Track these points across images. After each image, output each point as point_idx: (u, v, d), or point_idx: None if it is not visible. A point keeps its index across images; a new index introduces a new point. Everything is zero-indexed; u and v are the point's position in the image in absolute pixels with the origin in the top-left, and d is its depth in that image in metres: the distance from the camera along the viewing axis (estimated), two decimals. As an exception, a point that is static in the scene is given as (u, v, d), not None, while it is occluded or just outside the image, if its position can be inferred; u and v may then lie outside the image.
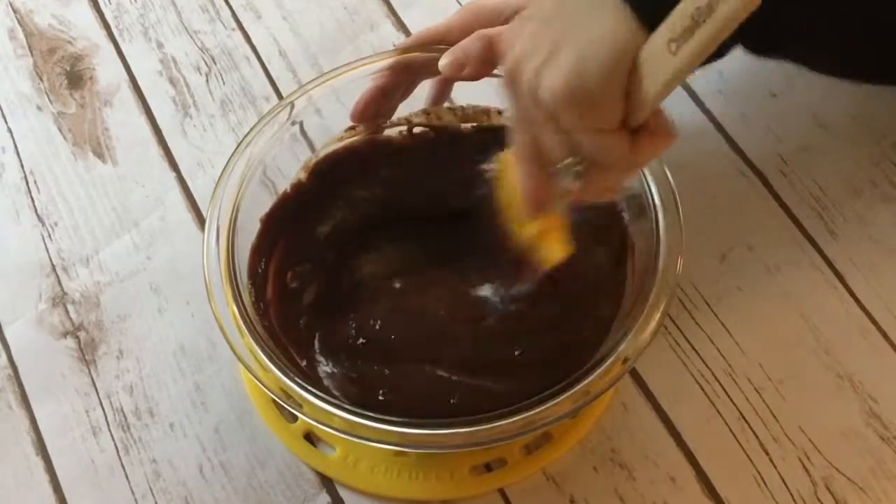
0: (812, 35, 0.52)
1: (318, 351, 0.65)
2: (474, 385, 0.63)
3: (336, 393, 0.63)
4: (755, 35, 0.49)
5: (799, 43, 0.54)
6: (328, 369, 0.64)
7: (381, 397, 0.63)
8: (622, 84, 0.47)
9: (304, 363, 0.64)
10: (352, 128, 0.70)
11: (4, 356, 0.71)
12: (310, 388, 0.57)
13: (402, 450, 0.63)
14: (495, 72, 0.66)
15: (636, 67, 0.46)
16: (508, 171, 0.59)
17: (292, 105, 0.67)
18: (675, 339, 0.69)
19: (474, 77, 0.65)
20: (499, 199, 0.62)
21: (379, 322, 0.67)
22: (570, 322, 0.65)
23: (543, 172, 0.53)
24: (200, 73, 0.83)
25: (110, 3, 0.87)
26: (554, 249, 0.60)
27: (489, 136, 0.70)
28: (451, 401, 0.63)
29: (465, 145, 0.71)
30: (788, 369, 0.67)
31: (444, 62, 0.65)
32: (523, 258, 0.61)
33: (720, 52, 0.47)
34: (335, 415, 0.57)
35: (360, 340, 0.66)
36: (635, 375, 0.68)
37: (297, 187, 0.69)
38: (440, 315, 0.67)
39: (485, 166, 0.64)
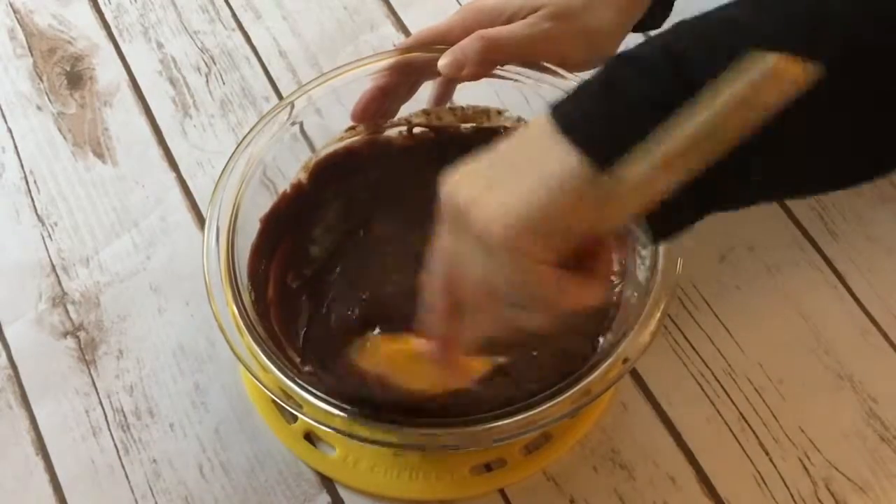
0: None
1: (316, 351, 0.65)
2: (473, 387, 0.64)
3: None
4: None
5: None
6: (325, 369, 0.64)
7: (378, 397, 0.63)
8: (566, 217, 0.44)
9: (303, 364, 0.64)
10: (352, 128, 0.70)
11: (4, 356, 0.71)
12: (310, 388, 0.57)
13: (401, 449, 0.63)
14: (496, 71, 0.67)
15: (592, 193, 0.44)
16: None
17: (292, 105, 0.67)
18: (675, 339, 0.69)
19: (474, 77, 0.65)
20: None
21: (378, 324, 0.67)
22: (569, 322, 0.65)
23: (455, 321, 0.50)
24: (200, 74, 0.83)
25: (110, 3, 0.87)
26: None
27: (489, 137, 0.70)
28: (451, 401, 0.63)
29: (466, 146, 0.71)
30: (788, 369, 0.67)
31: (443, 62, 0.65)
32: None
33: (689, 219, 0.47)
34: (335, 415, 0.57)
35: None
36: (635, 375, 0.68)
37: (297, 187, 0.69)
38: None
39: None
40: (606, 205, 0.44)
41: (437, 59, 0.65)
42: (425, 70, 0.68)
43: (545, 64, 0.66)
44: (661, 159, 0.42)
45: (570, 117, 0.45)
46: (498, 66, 0.66)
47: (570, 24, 0.65)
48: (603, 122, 0.45)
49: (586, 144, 0.44)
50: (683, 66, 0.44)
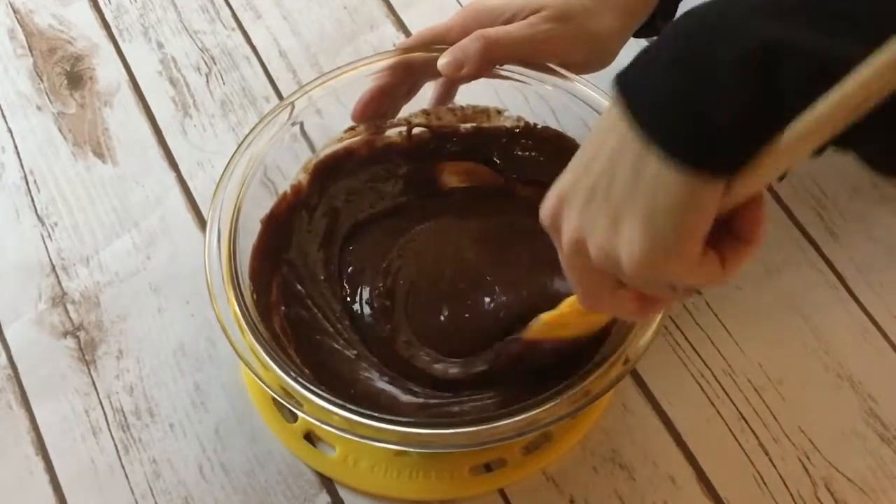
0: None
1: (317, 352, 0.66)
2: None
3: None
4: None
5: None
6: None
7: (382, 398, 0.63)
8: (700, 228, 0.43)
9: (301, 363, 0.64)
10: (352, 128, 0.70)
11: (4, 356, 0.71)
12: (310, 386, 0.57)
13: (402, 449, 0.63)
14: (496, 71, 0.67)
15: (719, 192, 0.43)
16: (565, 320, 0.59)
17: (293, 105, 0.67)
18: (675, 339, 0.69)
19: (473, 77, 0.65)
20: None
21: (379, 324, 0.67)
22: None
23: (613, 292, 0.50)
24: (200, 74, 0.83)
25: (110, 3, 0.87)
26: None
27: (488, 138, 0.70)
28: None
29: (465, 146, 0.71)
30: (788, 369, 0.68)
31: (442, 62, 0.65)
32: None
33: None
34: (335, 413, 0.57)
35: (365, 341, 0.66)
36: (635, 376, 0.68)
37: (297, 188, 0.69)
38: (441, 316, 0.66)
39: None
40: (727, 199, 0.43)
41: (437, 59, 0.65)
42: (425, 70, 0.68)
43: (545, 64, 0.66)
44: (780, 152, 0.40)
45: (670, 135, 0.42)
46: (498, 66, 0.66)
47: (570, 26, 0.65)
48: (695, 133, 0.41)
49: (697, 166, 0.41)
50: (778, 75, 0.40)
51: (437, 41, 0.67)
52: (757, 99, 0.40)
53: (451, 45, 0.65)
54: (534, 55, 0.66)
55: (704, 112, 0.40)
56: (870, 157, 0.48)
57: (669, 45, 0.42)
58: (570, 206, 0.47)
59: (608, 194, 0.45)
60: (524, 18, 0.65)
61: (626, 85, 0.44)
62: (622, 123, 0.43)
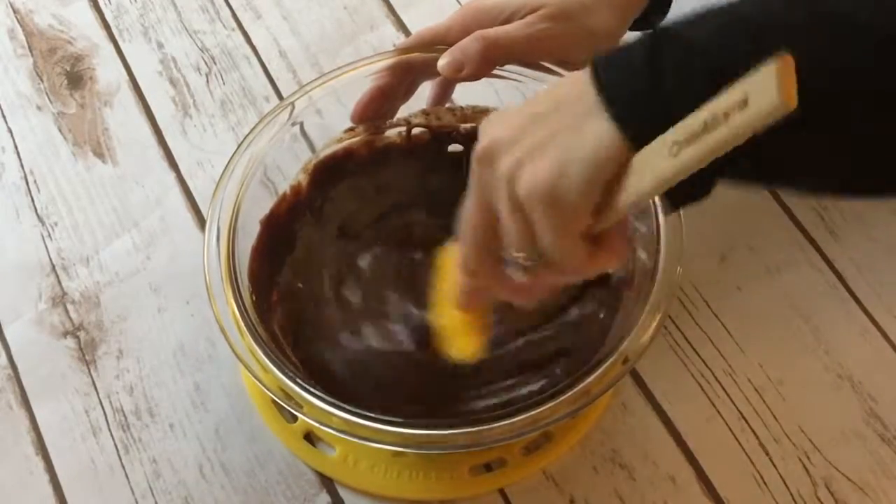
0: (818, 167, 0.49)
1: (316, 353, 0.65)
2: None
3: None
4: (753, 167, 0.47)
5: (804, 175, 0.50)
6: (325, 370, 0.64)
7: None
8: (599, 192, 0.47)
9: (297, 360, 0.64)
10: (351, 129, 0.70)
11: (4, 356, 0.71)
12: (309, 388, 0.57)
13: (401, 450, 0.63)
14: (496, 71, 0.67)
15: (622, 167, 0.46)
16: (449, 263, 0.59)
17: (293, 105, 0.67)
18: (675, 339, 0.69)
19: (473, 77, 0.65)
20: (435, 286, 0.62)
21: (377, 325, 0.67)
22: (570, 322, 0.65)
23: (490, 259, 0.52)
24: (200, 74, 0.83)
25: (110, 3, 0.87)
26: (467, 345, 0.60)
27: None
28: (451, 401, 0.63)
29: (465, 146, 0.71)
30: (788, 369, 0.67)
31: (442, 62, 0.65)
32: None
33: (705, 190, 0.47)
34: (334, 415, 0.57)
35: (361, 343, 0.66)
36: (635, 376, 0.68)
37: (297, 188, 0.69)
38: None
39: (434, 254, 0.63)
40: (630, 180, 0.46)
41: (436, 59, 0.65)
42: (425, 70, 0.68)
43: (544, 64, 0.66)
44: (679, 147, 0.42)
45: (614, 90, 0.46)
46: (497, 66, 0.66)
47: (568, 24, 0.65)
48: (646, 105, 0.45)
49: (627, 124, 0.45)
50: (725, 57, 0.44)
51: (437, 41, 0.67)
52: (653, 78, 0.45)
53: (451, 45, 0.65)
54: (533, 54, 0.66)
55: (639, 87, 0.46)
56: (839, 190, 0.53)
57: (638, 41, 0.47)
58: (516, 117, 0.50)
59: (547, 123, 0.48)
60: (523, 17, 0.65)
61: (598, 59, 0.48)
62: (584, 81, 0.47)
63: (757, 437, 0.65)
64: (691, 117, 0.42)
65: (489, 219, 0.51)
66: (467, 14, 0.67)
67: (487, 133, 0.50)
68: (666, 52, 0.45)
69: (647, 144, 0.44)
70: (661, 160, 0.43)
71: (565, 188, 0.46)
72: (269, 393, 0.58)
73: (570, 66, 0.66)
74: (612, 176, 0.46)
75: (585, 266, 0.49)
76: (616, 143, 0.45)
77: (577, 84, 0.47)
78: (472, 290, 0.56)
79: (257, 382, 0.58)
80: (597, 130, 0.46)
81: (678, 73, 0.44)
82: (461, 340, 0.60)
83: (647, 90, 0.45)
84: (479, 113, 0.70)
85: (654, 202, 0.62)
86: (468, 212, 0.52)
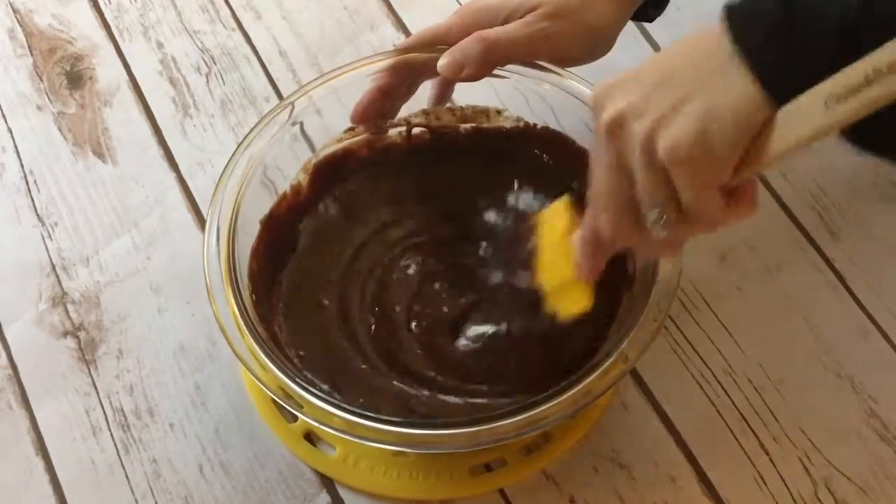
0: None
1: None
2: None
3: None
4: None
5: None
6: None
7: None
8: (741, 149, 0.47)
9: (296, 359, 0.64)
10: (351, 129, 0.70)
11: (4, 356, 0.71)
12: (310, 387, 0.57)
13: (401, 450, 0.63)
14: (496, 71, 0.67)
15: (769, 122, 0.46)
16: (556, 221, 0.59)
17: (292, 105, 0.67)
18: (675, 339, 0.69)
19: (474, 78, 0.65)
20: (538, 246, 0.61)
21: (375, 326, 0.67)
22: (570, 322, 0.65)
23: (629, 219, 0.52)
24: (200, 74, 0.83)
25: (110, 3, 0.87)
26: (576, 302, 0.59)
27: (487, 138, 0.70)
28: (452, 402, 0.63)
29: (465, 146, 0.71)
30: (788, 369, 0.67)
31: (442, 63, 0.65)
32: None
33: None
34: (335, 415, 0.57)
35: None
36: (635, 375, 0.68)
37: (297, 188, 0.69)
38: (442, 320, 0.66)
39: (531, 214, 0.63)
40: (771, 138, 0.46)
41: (436, 59, 0.65)
42: (425, 70, 0.68)
43: (545, 63, 0.66)
44: (836, 101, 0.42)
45: (751, 40, 0.45)
46: (498, 66, 0.66)
47: (567, 20, 0.65)
48: (786, 58, 0.45)
49: (768, 80, 0.45)
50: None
51: (437, 41, 0.67)
52: (789, 26, 0.44)
53: (451, 45, 0.65)
54: (534, 54, 0.66)
55: (776, 36, 0.45)
56: None
57: None
58: (636, 83, 0.50)
59: (683, 81, 0.48)
60: (521, 16, 0.65)
61: (731, 8, 0.47)
62: (714, 36, 0.47)
63: (757, 437, 0.65)
64: (850, 69, 0.41)
65: (625, 183, 0.51)
66: (466, 14, 0.67)
67: (611, 104, 0.50)
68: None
69: (787, 96, 0.44)
70: (815, 113, 0.43)
71: (707, 147, 0.46)
72: (269, 392, 0.58)
73: (571, 62, 0.67)
74: (756, 131, 0.46)
75: (723, 219, 0.50)
76: (757, 98, 0.45)
77: (706, 41, 0.47)
78: (597, 255, 0.56)
79: (257, 382, 0.58)
80: (735, 86, 0.46)
81: (815, 20, 0.44)
82: (574, 295, 0.59)
83: (784, 38, 0.44)
84: (479, 113, 0.71)
85: None
86: (601, 180, 0.52)
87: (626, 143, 0.50)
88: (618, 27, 0.67)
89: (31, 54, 0.85)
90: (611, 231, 0.53)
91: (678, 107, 0.47)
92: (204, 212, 0.75)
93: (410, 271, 0.68)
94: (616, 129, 0.50)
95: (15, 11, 0.87)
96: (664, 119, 0.47)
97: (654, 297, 0.59)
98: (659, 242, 0.52)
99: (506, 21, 0.66)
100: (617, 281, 0.64)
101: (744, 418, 0.66)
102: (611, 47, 0.68)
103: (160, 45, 0.84)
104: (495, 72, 0.67)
